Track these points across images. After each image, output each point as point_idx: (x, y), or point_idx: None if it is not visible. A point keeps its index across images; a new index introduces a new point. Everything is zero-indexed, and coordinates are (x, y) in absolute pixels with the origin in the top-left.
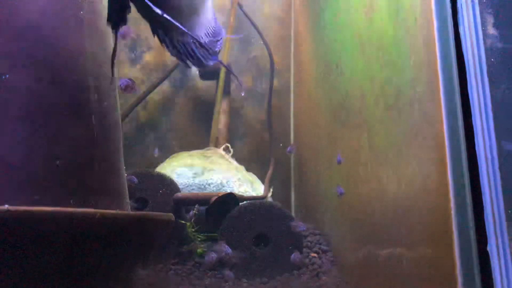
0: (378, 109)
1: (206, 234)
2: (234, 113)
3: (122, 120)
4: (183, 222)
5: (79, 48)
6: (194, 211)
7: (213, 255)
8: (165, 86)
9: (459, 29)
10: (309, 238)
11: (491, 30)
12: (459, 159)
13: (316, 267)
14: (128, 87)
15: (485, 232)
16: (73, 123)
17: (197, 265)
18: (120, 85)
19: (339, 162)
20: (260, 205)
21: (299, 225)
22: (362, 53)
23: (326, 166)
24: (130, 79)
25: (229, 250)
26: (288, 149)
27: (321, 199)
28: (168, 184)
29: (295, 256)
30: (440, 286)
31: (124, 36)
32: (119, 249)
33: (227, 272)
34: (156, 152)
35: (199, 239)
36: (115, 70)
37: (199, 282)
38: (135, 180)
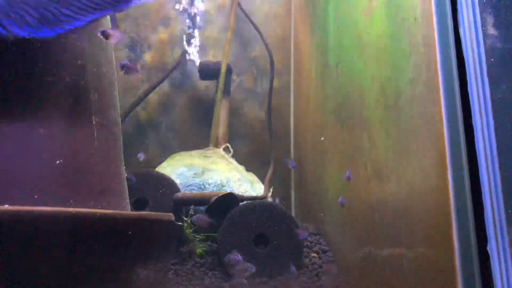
0: (378, 109)
1: (205, 234)
2: (234, 113)
3: (122, 120)
4: (180, 223)
5: (79, 48)
6: (190, 212)
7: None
8: (165, 86)
9: (459, 29)
10: (309, 238)
11: (491, 30)
12: (459, 159)
13: (316, 267)
14: (130, 69)
15: (485, 232)
16: (74, 123)
17: (197, 265)
18: (120, 67)
19: (348, 178)
20: (260, 205)
21: (303, 233)
22: (362, 53)
23: (326, 166)
24: (129, 61)
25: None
26: (292, 164)
27: (321, 199)
28: (168, 184)
29: (292, 270)
30: (440, 286)
31: (128, 70)
32: (119, 249)
33: (244, 280)
34: (141, 156)
35: (197, 239)
36: (115, 70)
37: (199, 282)
38: (133, 178)
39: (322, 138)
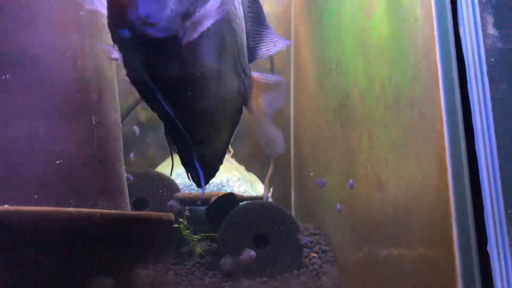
0: (378, 109)
1: (205, 234)
2: None
3: (122, 120)
4: (176, 225)
5: (79, 48)
6: (186, 213)
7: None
8: None
9: (459, 29)
10: (309, 238)
11: (491, 30)
12: (459, 159)
13: (316, 267)
14: None
15: (485, 232)
16: (74, 123)
17: (197, 265)
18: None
19: (351, 186)
20: (260, 205)
21: (304, 238)
22: (362, 53)
23: (326, 166)
24: None
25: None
26: (322, 183)
27: (321, 199)
28: (168, 184)
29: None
30: (440, 286)
31: None
32: (119, 249)
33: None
34: (132, 156)
35: (195, 239)
36: (115, 71)
37: (199, 282)
38: (131, 177)
39: (312, 174)
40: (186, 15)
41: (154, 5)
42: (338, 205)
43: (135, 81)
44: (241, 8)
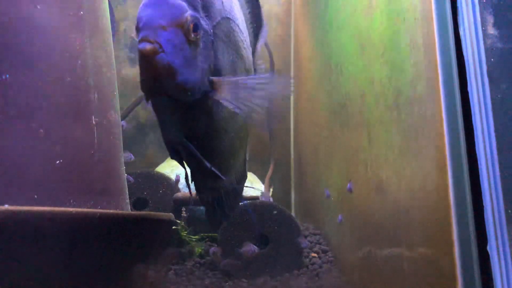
0: (378, 109)
1: (205, 234)
2: None
3: (122, 120)
4: (174, 227)
5: (79, 48)
6: (183, 214)
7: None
8: None
9: (459, 29)
10: (309, 238)
11: (491, 30)
12: (459, 159)
13: (316, 267)
14: None
15: (485, 232)
16: (73, 123)
17: (197, 265)
18: None
19: (349, 190)
20: (260, 205)
21: (304, 241)
22: (362, 53)
23: (326, 166)
24: None
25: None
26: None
27: (321, 199)
28: (168, 184)
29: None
30: (440, 286)
31: None
32: (119, 248)
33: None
34: (132, 157)
35: (193, 240)
36: (115, 71)
37: (199, 282)
38: (131, 178)
39: (275, 212)
40: (209, 67)
41: (189, 69)
42: (339, 217)
43: (170, 140)
44: (243, 21)
